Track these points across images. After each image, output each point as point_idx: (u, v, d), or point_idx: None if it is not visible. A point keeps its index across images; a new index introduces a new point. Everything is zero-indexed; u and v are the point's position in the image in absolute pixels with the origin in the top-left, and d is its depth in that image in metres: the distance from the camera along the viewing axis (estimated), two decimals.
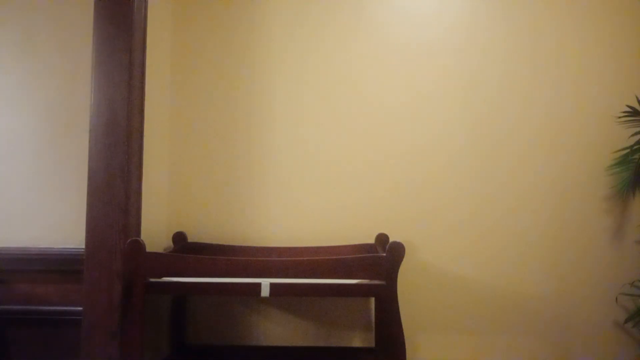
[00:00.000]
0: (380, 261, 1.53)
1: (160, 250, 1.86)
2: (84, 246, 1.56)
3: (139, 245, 1.52)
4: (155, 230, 1.84)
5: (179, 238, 1.91)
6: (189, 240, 1.94)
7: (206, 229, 1.98)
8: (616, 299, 1.92)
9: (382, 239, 1.90)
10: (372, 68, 2.00)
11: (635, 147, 1.88)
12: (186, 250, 1.87)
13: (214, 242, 1.95)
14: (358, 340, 1.95)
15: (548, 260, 1.95)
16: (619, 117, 1.94)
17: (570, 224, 1.95)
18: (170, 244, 1.92)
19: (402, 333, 1.54)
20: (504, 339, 1.94)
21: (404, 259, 1.55)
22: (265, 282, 1.51)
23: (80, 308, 1.57)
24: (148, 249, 1.54)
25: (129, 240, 1.53)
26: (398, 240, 1.56)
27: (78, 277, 1.59)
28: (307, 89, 2.01)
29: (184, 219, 1.99)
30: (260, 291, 1.51)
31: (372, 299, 1.94)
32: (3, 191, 1.86)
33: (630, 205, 1.95)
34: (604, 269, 1.94)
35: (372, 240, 1.93)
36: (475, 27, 2.00)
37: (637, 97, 1.93)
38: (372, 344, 1.93)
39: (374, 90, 2.00)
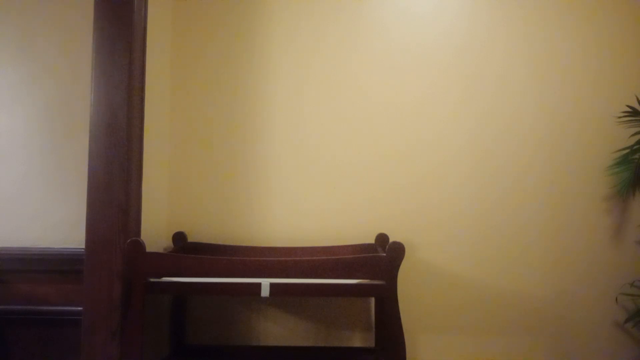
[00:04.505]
0: (380, 261, 1.53)
1: (160, 250, 1.86)
2: (84, 246, 1.56)
3: (139, 245, 1.52)
4: (155, 230, 1.84)
5: (179, 238, 1.91)
6: (189, 240, 1.94)
7: (206, 229, 1.98)
8: (616, 299, 1.92)
9: (382, 239, 1.90)
10: (372, 68, 2.00)
11: (635, 147, 1.88)
12: (186, 250, 1.87)
13: (214, 242, 1.95)
14: (358, 340, 1.95)
15: (548, 260, 1.95)
16: (619, 117, 1.94)
17: (570, 224, 1.95)
18: (170, 244, 1.92)
19: (402, 333, 1.54)
20: (504, 339, 1.94)
21: (404, 259, 1.55)
22: (265, 282, 1.51)
23: (80, 308, 1.57)
24: (148, 249, 1.54)
25: (129, 240, 1.53)
26: (398, 240, 1.56)
27: (78, 277, 1.59)
28: (307, 88, 2.01)
29: (184, 219, 1.99)
30: (260, 291, 1.51)
31: (372, 299, 1.94)
32: (3, 191, 1.86)
33: (630, 205, 1.95)
34: (604, 269, 1.94)
35: (372, 240, 1.93)
36: (475, 27, 2.00)
37: (637, 97, 1.93)
38: (372, 344, 1.93)
39: (374, 90, 2.00)
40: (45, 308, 1.80)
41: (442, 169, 1.98)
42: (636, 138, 1.89)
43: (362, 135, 1.99)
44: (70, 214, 1.83)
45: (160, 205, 1.92)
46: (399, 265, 1.53)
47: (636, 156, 1.88)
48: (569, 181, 1.96)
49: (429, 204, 1.97)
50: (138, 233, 1.65)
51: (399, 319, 1.53)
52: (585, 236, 1.95)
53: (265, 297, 1.80)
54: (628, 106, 1.90)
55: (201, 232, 1.98)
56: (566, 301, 1.94)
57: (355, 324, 1.96)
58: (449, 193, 1.97)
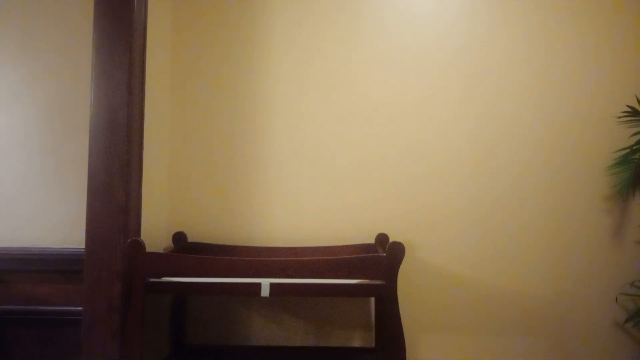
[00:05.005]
0: (380, 261, 1.53)
1: (160, 250, 1.86)
2: (83, 246, 1.57)
3: (139, 245, 1.52)
4: (155, 230, 1.84)
5: (179, 238, 1.91)
6: (189, 240, 1.94)
7: (206, 229, 1.98)
8: (616, 299, 1.92)
9: (382, 239, 1.90)
10: (372, 68, 2.00)
11: (635, 147, 1.88)
12: (186, 250, 1.87)
13: (214, 242, 1.95)
14: (358, 340, 1.95)
15: (548, 260, 1.95)
16: (619, 117, 1.94)
17: (570, 224, 1.95)
18: (170, 244, 1.92)
19: (402, 333, 1.54)
20: (504, 339, 1.94)
21: (404, 259, 1.55)
22: (265, 282, 1.51)
23: (80, 308, 1.57)
24: (148, 249, 1.54)
25: (129, 240, 1.53)
26: (398, 240, 1.56)
27: (78, 277, 1.59)
28: (307, 89, 2.01)
29: (184, 219, 1.99)
30: (260, 291, 1.51)
31: (372, 299, 1.94)
32: (3, 191, 1.86)
33: (630, 205, 1.95)
34: (604, 269, 1.94)
35: (372, 240, 1.93)
36: (475, 27, 2.00)
37: (637, 97, 1.93)
38: (372, 344, 1.93)
39: (374, 91, 2.00)
40: (45, 308, 1.80)
41: (442, 169, 1.98)
42: (636, 138, 1.89)
43: (362, 135, 1.99)
44: (70, 214, 1.83)
45: (160, 205, 1.92)
46: (399, 265, 1.53)
47: (636, 156, 1.88)
48: (569, 181, 1.96)
49: (429, 204, 1.97)
50: (138, 233, 1.65)
51: (399, 319, 1.54)
52: (585, 236, 1.95)
53: (265, 297, 1.80)
54: (628, 106, 1.90)
55: (201, 232, 1.98)
56: (566, 301, 1.94)
57: (355, 324, 1.96)
58: (449, 193, 1.97)
